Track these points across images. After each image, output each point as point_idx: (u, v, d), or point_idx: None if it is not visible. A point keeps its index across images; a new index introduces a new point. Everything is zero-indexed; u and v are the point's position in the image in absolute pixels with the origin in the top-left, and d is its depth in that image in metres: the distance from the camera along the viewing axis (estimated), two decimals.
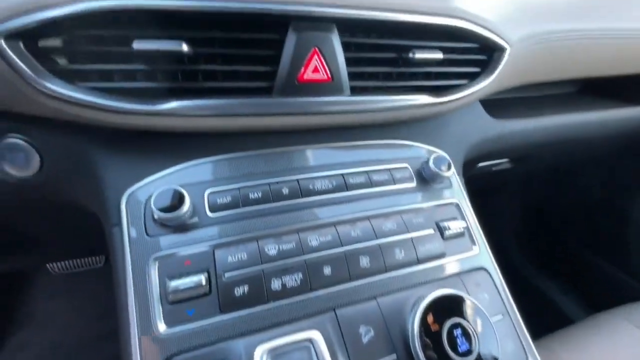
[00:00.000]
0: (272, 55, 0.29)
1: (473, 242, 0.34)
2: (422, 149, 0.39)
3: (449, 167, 0.35)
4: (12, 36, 0.23)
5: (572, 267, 0.97)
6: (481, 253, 0.33)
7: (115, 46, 0.25)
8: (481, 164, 0.60)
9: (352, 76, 0.31)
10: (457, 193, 0.37)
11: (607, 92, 0.66)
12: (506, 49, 0.37)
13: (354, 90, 0.32)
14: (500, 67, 0.37)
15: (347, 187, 0.32)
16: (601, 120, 0.61)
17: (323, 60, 0.29)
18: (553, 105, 0.59)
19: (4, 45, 0.23)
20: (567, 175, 0.96)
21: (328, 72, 0.30)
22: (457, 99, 0.36)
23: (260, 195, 0.29)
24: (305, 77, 0.29)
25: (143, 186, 0.28)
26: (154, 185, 0.28)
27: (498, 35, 0.36)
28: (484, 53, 0.37)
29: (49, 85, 0.25)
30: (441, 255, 0.32)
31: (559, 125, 0.56)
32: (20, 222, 0.43)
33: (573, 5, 0.46)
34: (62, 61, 0.26)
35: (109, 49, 0.25)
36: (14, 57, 0.24)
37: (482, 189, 0.87)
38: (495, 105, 0.51)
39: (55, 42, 0.25)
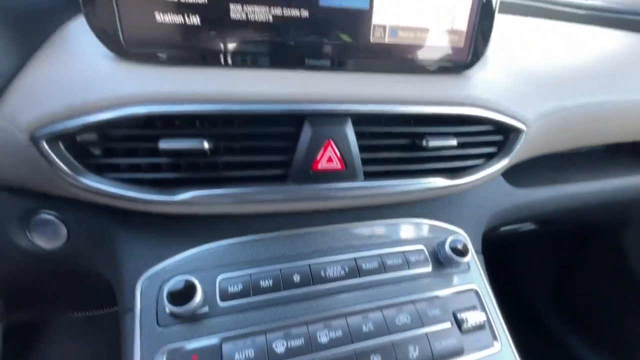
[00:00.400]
0: (287, 146, 0.30)
1: (495, 337, 0.32)
2: (437, 227, 0.38)
3: (466, 253, 0.34)
4: (53, 138, 0.26)
5: (616, 335, 0.88)
6: (504, 350, 0.31)
7: (143, 143, 0.27)
8: (504, 229, 0.58)
9: (365, 162, 0.32)
10: (476, 278, 0.35)
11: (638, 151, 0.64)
12: (523, 130, 0.37)
13: (368, 175, 0.33)
14: (518, 147, 0.37)
15: (359, 273, 0.32)
16: (636, 185, 0.58)
17: (337, 151, 0.30)
18: (579, 166, 0.57)
19: (46, 147, 0.26)
20: (604, 234, 0.91)
21: (342, 161, 0.31)
22: (473, 181, 0.36)
23: (271, 283, 0.30)
24: (320, 166, 0.30)
25: (159, 271, 0.29)
26: (169, 270, 0.29)
27: (514, 118, 0.36)
28: (499, 134, 0.37)
29: (82, 180, 0.27)
30: (459, 353, 0.30)
31: (586, 192, 0.54)
32: (43, 284, 0.45)
33: (590, 77, 0.47)
34: (95, 154, 0.28)
35: (138, 146, 0.27)
36: (54, 156, 0.26)
37: (508, 243, 0.83)
38: (514, 170, 0.50)
39: (90, 139, 0.28)
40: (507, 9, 0.66)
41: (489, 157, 0.37)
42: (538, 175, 0.53)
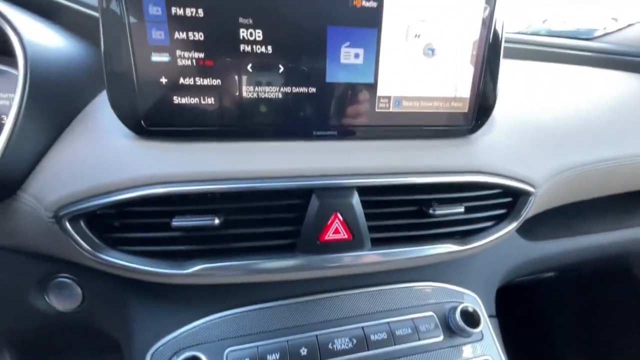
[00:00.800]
0: (295, 217, 0.31)
1: None
2: (448, 290, 0.37)
3: (479, 322, 0.33)
4: (75, 217, 0.28)
5: None
6: None
7: (157, 219, 0.29)
8: (519, 279, 0.56)
9: (372, 229, 0.32)
10: (490, 348, 0.34)
11: None
12: (532, 192, 0.36)
13: (375, 242, 0.33)
14: (528, 208, 0.37)
15: (368, 345, 0.31)
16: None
17: (344, 222, 0.31)
18: (598, 211, 0.55)
19: (68, 225, 0.27)
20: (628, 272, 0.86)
21: (349, 231, 0.31)
22: (484, 244, 0.35)
23: (278, 357, 0.29)
24: (327, 237, 0.31)
25: (168, 343, 0.30)
26: (178, 342, 0.30)
27: (522, 181, 0.36)
28: (508, 196, 0.37)
29: (100, 255, 0.28)
30: None
31: (607, 242, 0.52)
32: (54, 338, 0.46)
33: (598, 129, 0.46)
34: (111, 229, 0.30)
35: (151, 222, 0.29)
36: (74, 233, 0.28)
37: (525, 288, 0.80)
38: (528, 222, 0.49)
39: (108, 216, 0.29)
40: (507, 53, 0.66)
41: (499, 219, 0.37)
42: (554, 225, 0.51)
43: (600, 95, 0.57)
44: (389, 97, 0.34)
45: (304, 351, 0.30)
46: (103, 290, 0.34)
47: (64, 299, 0.36)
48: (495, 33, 0.34)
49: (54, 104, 0.31)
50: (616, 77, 0.70)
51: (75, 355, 0.78)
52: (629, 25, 0.89)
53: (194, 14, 0.28)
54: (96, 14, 0.36)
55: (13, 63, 0.35)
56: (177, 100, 0.30)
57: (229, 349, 0.30)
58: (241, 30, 0.29)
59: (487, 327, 0.36)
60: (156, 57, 0.29)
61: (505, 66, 0.36)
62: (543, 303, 0.93)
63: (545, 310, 0.91)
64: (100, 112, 0.33)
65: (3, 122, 0.45)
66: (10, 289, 0.34)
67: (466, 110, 0.36)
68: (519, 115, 0.42)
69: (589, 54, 0.78)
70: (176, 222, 0.27)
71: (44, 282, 0.35)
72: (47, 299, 0.35)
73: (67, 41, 0.35)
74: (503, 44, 0.34)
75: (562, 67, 0.71)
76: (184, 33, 0.28)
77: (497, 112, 0.39)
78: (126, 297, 0.33)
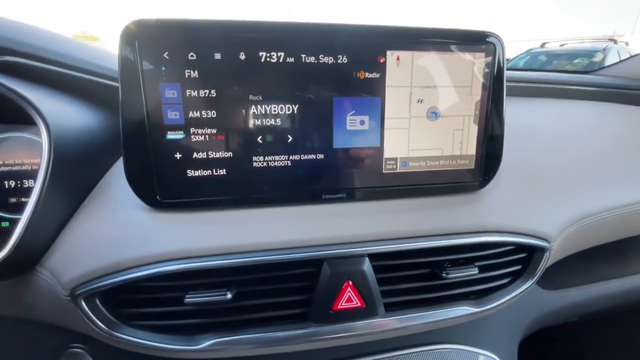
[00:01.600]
0: (307, 285, 0.30)
1: None
2: (466, 352, 0.36)
3: None
4: (90, 295, 0.28)
5: None
6: None
7: (169, 294, 0.29)
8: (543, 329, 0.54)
9: (385, 294, 0.32)
10: None
11: None
12: (547, 247, 0.36)
13: (389, 307, 0.32)
14: (544, 263, 0.36)
15: None
16: None
17: (356, 290, 0.30)
18: (620, 253, 0.53)
19: (83, 304, 0.28)
20: None
21: (361, 299, 0.31)
22: (500, 304, 0.34)
23: None
24: (339, 307, 0.30)
25: None
26: None
27: (535, 237, 0.35)
28: (522, 252, 0.36)
29: (114, 333, 0.28)
30: None
31: (632, 288, 0.50)
32: None
33: (610, 172, 0.46)
34: (124, 305, 0.30)
35: (164, 297, 0.29)
36: (89, 312, 0.28)
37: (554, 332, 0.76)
38: (546, 270, 0.48)
39: (123, 290, 0.29)
40: (507, 92, 0.66)
41: (516, 276, 0.36)
42: (574, 271, 0.50)
43: (607, 132, 0.56)
44: (395, 159, 0.35)
45: None
46: (113, 356, 0.34)
47: None
48: (498, 92, 0.35)
49: (75, 177, 0.32)
50: (620, 110, 0.69)
51: None
52: (631, 57, 0.90)
53: (207, 95, 0.30)
54: (104, 81, 0.38)
55: (28, 130, 0.37)
56: (190, 173, 0.31)
57: None
58: (251, 106, 0.30)
59: None
60: (171, 135, 0.30)
61: (508, 106, 0.36)
62: (571, 347, 0.88)
63: (572, 354, 0.86)
64: (116, 184, 0.34)
65: (24, 186, 0.47)
66: (25, 357, 0.34)
67: (473, 167, 0.36)
68: (527, 162, 0.42)
69: (589, 88, 0.78)
70: (189, 299, 0.28)
71: (57, 352, 0.35)
72: None
73: (81, 109, 0.37)
74: (505, 102, 0.35)
75: (564, 103, 0.71)
76: (198, 112, 0.30)
77: (505, 161, 0.40)
78: None
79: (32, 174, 0.36)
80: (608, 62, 5.40)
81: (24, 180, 0.41)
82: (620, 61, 0.92)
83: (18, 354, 0.35)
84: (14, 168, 0.42)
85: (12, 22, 0.36)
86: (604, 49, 5.74)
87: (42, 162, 0.30)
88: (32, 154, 0.39)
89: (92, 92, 0.38)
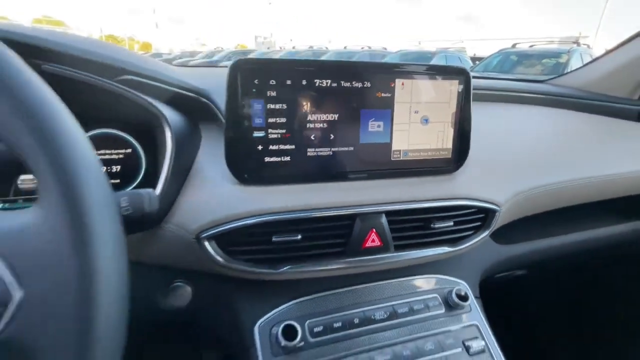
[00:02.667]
0: (345, 233, 0.47)
1: (492, 357, 0.46)
2: (446, 280, 0.54)
3: (467, 299, 0.49)
4: (210, 238, 0.43)
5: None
6: None
7: (260, 237, 0.44)
8: (497, 276, 0.73)
9: (395, 239, 0.49)
10: (476, 316, 0.50)
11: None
12: (497, 210, 0.54)
13: (397, 247, 0.49)
14: (495, 221, 0.54)
15: (397, 316, 0.47)
16: (594, 237, 0.74)
17: (377, 235, 0.47)
18: (558, 220, 0.73)
19: (206, 244, 0.43)
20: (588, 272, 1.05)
21: (380, 241, 0.47)
22: (466, 247, 0.52)
23: (340, 324, 0.45)
24: (366, 245, 0.47)
25: (268, 318, 0.45)
26: (274, 318, 0.45)
27: (490, 203, 0.53)
28: (482, 213, 0.54)
29: (229, 264, 0.43)
30: None
31: (560, 244, 0.70)
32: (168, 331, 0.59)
33: (551, 159, 0.65)
34: (230, 244, 0.45)
35: (256, 239, 0.44)
36: (211, 249, 0.43)
37: (507, 285, 0.96)
38: (501, 229, 0.66)
39: (230, 235, 0.44)
40: (478, 98, 0.84)
41: (477, 229, 0.54)
42: (521, 232, 0.69)
43: (546, 131, 0.76)
44: (399, 150, 0.51)
45: (356, 320, 0.45)
46: (211, 288, 0.49)
47: (177, 298, 0.50)
48: (466, 105, 0.52)
49: (182, 160, 0.47)
50: (559, 114, 0.90)
51: (174, 347, 0.90)
52: (573, 70, 1.11)
53: (280, 107, 0.45)
54: (181, 91, 0.52)
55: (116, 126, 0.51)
56: (267, 159, 0.46)
57: (309, 321, 0.44)
58: (308, 115, 0.46)
59: (474, 303, 0.52)
60: (256, 134, 0.45)
61: (476, 110, 0.53)
62: (518, 297, 1.10)
63: (519, 302, 1.08)
64: (208, 167, 0.49)
65: (112, 171, 0.61)
66: (143, 292, 0.48)
67: (450, 156, 0.54)
68: (486, 153, 0.60)
69: (539, 96, 0.98)
70: (275, 239, 0.43)
71: (165, 287, 0.49)
72: (166, 299, 0.49)
73: (173, 112, 0.51)
74: (472, 111, 0.52)
75: (520, 108, 0.91)
76: (274, 119, 0.45)
77: (471, 152, 0.57)
78: (231, 292, 0.47)
79: (123, 160, 0.52)
80: (572, 63, 5.84)
81: (117, 166, 0.55)
82: (570, 72, 1.12)
83: (138, 289, 0.50)
84: (112, 156, 0.57)
85: (127, 51, 0.49)
86: (569, 51, 6.19)
87: (167, 150, 0.44)
88: (118, 144, 0.55)
89: (175, 100, 0.53)
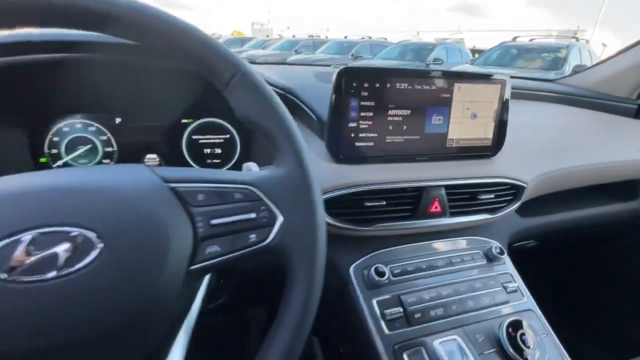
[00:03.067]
0: (415, 202, 0.61)
1: (522, 295, 0.62)
2: (484, 240, 0.69)
3: (503, 254, 0.64)
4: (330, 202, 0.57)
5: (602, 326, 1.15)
6: (528, 301, 0.61)
7: (356, 202, 0.59)
8: (514, 245, 0.89)
9: (450, 207, 0.63)
10: (509, 267, 0.66)
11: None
12: (525, 187, 0.69)
13: (452, 214, 0.64)
14: (524, 196, 0.69)
15: (452, 264, 0.62)
16: (604, 214, 0.90)
17: (439, 203, 0.62)
18: (571, 200, 0.88)
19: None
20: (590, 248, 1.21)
21: (441, 208, 0.62)
22: (501, 214, 0.67)
23: (413, 269, 0.60)
24: (430, 211, 0.62)
25: (359, 262, 0.60)
26: (363, 264, 0.59)
27: (520, 181, 0.68)
28: (514, 189, 0.69)
29: (334, 223, 0.57)
30: (507, 302, 0.59)
31: (569, 218, 0.86)
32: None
33: (567, 148, 0.80)
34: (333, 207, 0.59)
35: (352, 204, 0.59)
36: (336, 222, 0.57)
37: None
38: (524, 205, 0.81)
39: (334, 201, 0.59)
40: None
41: (509, 202, 0.69)
42: (537, 207, 0.84)
43: (559, 125, 0.91)
44: (453, 139, 0.66)
45: (423, 266, 0.60)
46: None
47: None
48: (505, 103, 0.66)
49: None
50: (570, 111, 1.05)
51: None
52: (579, 72, 1.26)
53: (369, 104, 0.59)
54: None
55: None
56: (357, 144, 0.60)
57: (389, 265, 0.59)
58: (389, 111, 0.60)
59: (507, 257, 0.67)
60: (351, 124, 0.59)
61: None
62: (529, 265, 1.27)
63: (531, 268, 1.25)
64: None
65: (215, 152, 0.75)
66: None
67: (490, 144, 0.68)
68: (515, 142, 0.74)
69: (552, 94, 1.13)
70: (366, 204, 0.57)
71: None
72: None
73: None
74: (509, 108, 0.67)
75: (535, 105, 1.06)
76: (364, 113, 0.59)
77: (506, 141, 0.72)
78: (331, 245, 0.62)
79: (223, 144, 0.66)
80: (571, 57, 5.96)
81: (218, 148, 0.69)
82: (577, 73, 1.26)
83: None
84: (215, 140, 0.71)
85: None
86: (567, 46, 6.31)
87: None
88: (220, 131, 0.68)
89: None
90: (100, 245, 0.27)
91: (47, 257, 0.26)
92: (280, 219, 0.35)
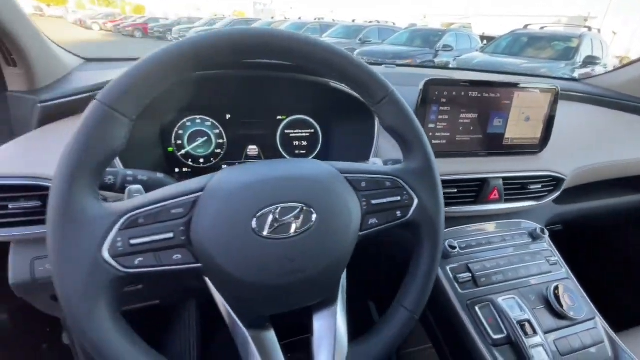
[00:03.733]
0: (478, 189, 0.75)
1: (561, 267, 0.76)
2: (529, 223, 0.83)
3: (544, 233, 0.78)
4: None
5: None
6: (565, 271, 0.76)
7: None
8: (547, 228, 1.03)
9: (505, 195, 0.77)
10: (549, 245, 0.80)
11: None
12: (565, 179, 0.82)
13: (506, 200, 0.77)
14: (564, 186, 0.83)
15: (505, 241, 0.76)
16: (619, 203, 1.04)
17: (497, 192, 0.75)
18: (599, 190, 1.02)
19: None
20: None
21: (498, 195, 0.76)
22: (544, 202, 0.81)
23: (476, 243, 0.74)
24: (489, 198, 0.75)
25: None
26: None
27: (560, 174, 0.81)
28: (555, 181, 0.82)
29: None
30: (550, 271, 0.74)
31: (592, 207, 1.00)
32: None
33: (598, 146, 0.93)
34: None
35: None
36: None
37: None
38: (561, 194, 0.94)
39: None
40: None
41: (550, 191, 0.82)
42: (570, 196, 0.98)
43: (589, 124, 1.04)
44: (509, 138, 0.78)
45: (483, 242, 0.75)
46: None
47: None
48: (553, 108, 0.79)
49: None
50: (597, 111, 1.17)
51: None
52: (611, 71, 1.36)
53: (446, 109, 0.71)
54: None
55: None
56: (434, 142, 0.73)
57: (457, 240, 0.73)
58: (461, 114, 0.72)
59: (547, 237, 0.81)
60: (430, 125, 0.72)
61: None
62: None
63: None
64: (382, 141, 0.75)
65: (301, 144, 0.88)
66: None
67: (537, 142, 0.81)
68: (555, 140, 0.87)
69: (579, 94, 1.24)
70: (445, 191, 0.71)
71: None
72: None
73: None
74: (556, 111, 0.79)
75: (566, 105, 1.18)
76: (441, 116, 0.71)
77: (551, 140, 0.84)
78: None
79: (308, 137, 0.78)
80: (582, 48, 5.95)
81: (304, 141, 0.82)
82: (602, 74, 1.37)
83: None
84: (302, 134, 0.84)
85: None
86: (580, 36, 6.29)
87: (375, 130, 0.71)
88: (306, 126, 0.81)
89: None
90: (315, 216, 0.41)
91: (287, 222, 0.40)
92: (416, 201, 0.48)
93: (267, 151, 0.84)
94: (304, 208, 0.40)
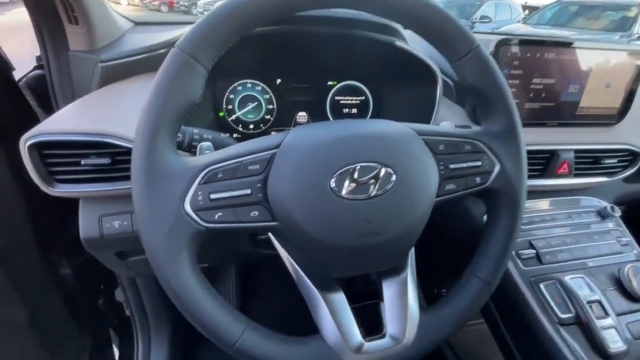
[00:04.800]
0: (548, 162, 0.69)
1: (632, 248, 0.71)
2: (597, 200, 0.77)
3: (614, 211, 0.72)
4: None
5: None
6: (638, 253, 0.70)
7: None
8: None
9: (575, 169, 0.71)
10: (621, 224, 0.74)
11: None
12: None
13: (575, 175, 0.71)
14: (638, 162, 0.75)
15: (571, 218, 0.71)
16: None
17: (567, 165, 0.69)
18: None
19: None
20: None
21: (568, 169, 0.70)
22: (618, 178, 0.74)
23: (539, 219, 0.69)
24: (558, 171, 0.70)
25: None
26: None
27: (637, 147, 0.74)
28: (631, 155, 0.75)
29: None
30: (621, 252, 0.69)
31: None
32: None
33: None
34: None
35: None
36: None
37: None
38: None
39: None
40: None
41: (625, 167, 0.75)
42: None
43: None
44: (584, 107, 0.71)
45: (547, 218, 0.70)
46: None
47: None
48: (637, 79, 0.70)
49: None
50: None
51: None
52: None
53: (517, 73, 0.65)
54: None
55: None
56: None
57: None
58: (533, 79, 0.66)
59: (618, 217, 0.75)
60: None
61: None
62: None
63: None
64: (444, 107, 0.70)
65: (352, 112, 0.84)
66: None
67: (616, 113, 0.73)
68: (633, 112, 0.79)
69: None
70: None
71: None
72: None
73: None
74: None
75: None
76: (512, 80, 0.65)
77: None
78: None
79: (358, 105, 0.74)
80: None
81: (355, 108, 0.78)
82: None
83: None
84: (352, 101, 0.79)
85: None
86: None
87: (437, 97, 0.66)
88: (356, 92, 0.76)
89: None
90: (394, 177, 0.38)
91: (366, 182, 0.37)
92: (497, 167, 0.45)
93: (316, 118, 0.81)
94: (383, 168, 0.38)
